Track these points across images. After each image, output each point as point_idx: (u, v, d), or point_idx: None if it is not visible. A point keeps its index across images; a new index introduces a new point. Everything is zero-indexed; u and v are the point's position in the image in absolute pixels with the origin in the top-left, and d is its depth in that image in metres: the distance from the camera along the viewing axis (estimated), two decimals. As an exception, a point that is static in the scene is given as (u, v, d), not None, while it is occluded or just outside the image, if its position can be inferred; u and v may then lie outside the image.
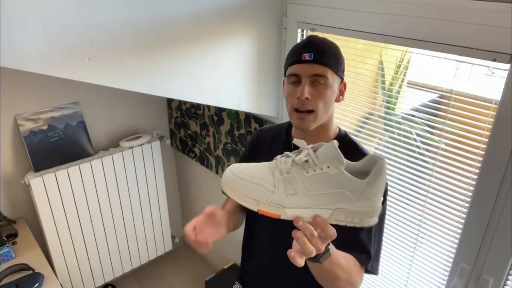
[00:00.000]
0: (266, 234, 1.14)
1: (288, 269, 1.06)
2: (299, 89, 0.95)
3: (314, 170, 0.66)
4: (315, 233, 0.67)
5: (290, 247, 0.90)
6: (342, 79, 1.01)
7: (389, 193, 1.40)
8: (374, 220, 0.67)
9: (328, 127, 1.03)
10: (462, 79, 1.16)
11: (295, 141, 0.73)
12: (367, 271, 0.97)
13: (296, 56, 0.96)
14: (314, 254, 0.68)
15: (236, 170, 0.70)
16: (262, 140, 1.18)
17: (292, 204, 0.67)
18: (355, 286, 0.91)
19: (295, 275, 1.07)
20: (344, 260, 0.86)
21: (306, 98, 0.94)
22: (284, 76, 1.04)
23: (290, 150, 1.01)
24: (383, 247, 1.48)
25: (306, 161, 0.68)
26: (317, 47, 0.95)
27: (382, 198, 0.68)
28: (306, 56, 0.94)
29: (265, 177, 0.68)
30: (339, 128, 1.07)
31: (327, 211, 0.67)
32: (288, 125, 1.15)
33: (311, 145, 0.71)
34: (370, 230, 0.97)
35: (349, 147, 1.03)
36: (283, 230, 1.05)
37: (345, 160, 0.67)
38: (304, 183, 0.66)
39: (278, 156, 0.73)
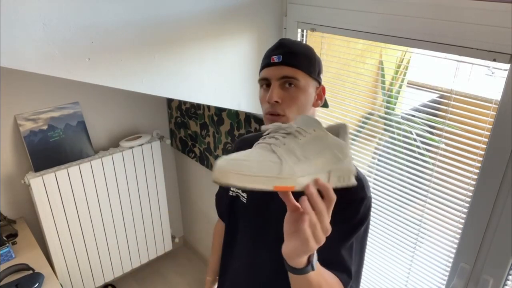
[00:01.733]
0: (240, 261, 1.08)
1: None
2: (269, 92, 0.91)
3: (305, 136, 0.68)
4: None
5: (266, 272, 0.91)
6: (319, 82, 0.96)
7: (389, 193, 1.40)
8: (354, 180, 0.70)
9: None
10: (462, 79, 1.16)
11: (264, 127, 0.73)
12: None
13: (266, 59, 0.93)
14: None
15: (232, 157, 0.64)
16: (244, 149, 1.11)
17: (300, 172, 0.65)
18: None
19: None
20: (327, 274, 0.81)
21: (276, 102, 0.89)
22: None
23: None
24: (383, 247, 1.48)
25: (296, 130, 0.69)
26: (287, 48, 0.92)
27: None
28: (275, 58, 0.90)
29: (267, 154, 0.65)
30: None
31: (324, 175, 0.68)
32: None
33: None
34: (351, 246, 0.89)
35: None
36: (259, 253, 1.00)
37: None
38: (302, 150, 0.67)
39: (261, 139, 0.70)
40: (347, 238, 0.89)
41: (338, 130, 0.74)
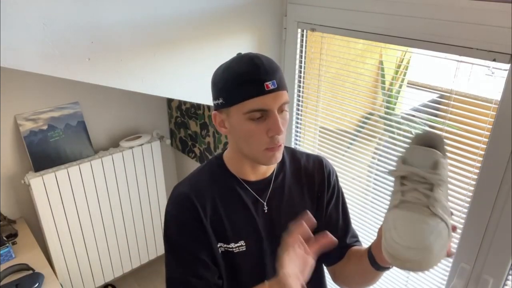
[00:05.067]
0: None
1: None
2: (270, 125, 0.79)
3: (443, 181, 0.69)
4: None
5: None
6: None
7: (389, 193, 1.40)
8: None
9: None
10: (462, 79, 1.16)
11: (393, 173, 0.70)
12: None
13: (256, 86, 0.77)
14: None
15: (404, 240, 0.63)
16: (207, 204, 0.89)
17: (449, 220, 0.68)
18: None
19: None
20: None
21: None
22: (222, 108, 0.83)
23: (250, 194, 0.91)
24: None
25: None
26: (274, 71, 0.80)
27: None
28: (270, 85, 0.77)
29: (434, 222, 0.65)
30: None
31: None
32: (220, 165, 0.95)
33: (401, 165, 0.70)
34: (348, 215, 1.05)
35: (289, 151, 1.01)
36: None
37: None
38: (446, 195, 0.69)
39: (398, 197, 0.69)
40: (345, 211, 1.03)
41: (436, 141, 0.74)
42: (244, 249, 0.91)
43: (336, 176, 1.02)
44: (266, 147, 0.82)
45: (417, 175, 0.68)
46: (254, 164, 0.90)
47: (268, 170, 0.94)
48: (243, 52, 0.88)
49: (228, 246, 0.90)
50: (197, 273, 0.87)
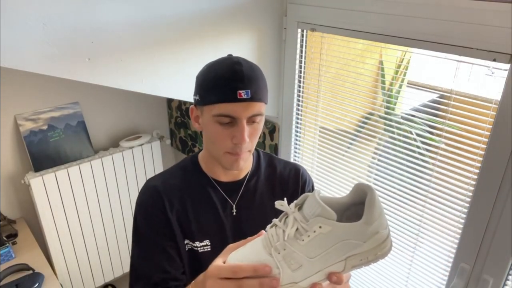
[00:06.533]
0: None
1: None
2: (236, 132, 0.80)
3: (308, 236, 0.61)
4: None
5: None
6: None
7: (389, 193, 1.40)
8: (388, 249, 0.63)
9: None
10: (462, 79, 1.16)
11: (277, 204, 0.65)
12: None
13: (228, 92, 0.78)
14: None
15: (232, 259, 0.64)
16: (174, 199, 0.90)
17: (303, 276, 0.63)
18: None
19: None
20: None
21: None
22: (198, 105, 0.86)
23: (220, 194, 0.92)
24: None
25: (297, 229, 0.62)
26: (252, 80, 0.79)
27: (386, 223, 0.63)
28: (243, 94, 0.77)
29: (265, 261, 0.63)
30: None
31: (339, 264, 0.63)
32: (193, 163, 0.95)
33: (295, 203, 0.65)
34: None
35: (266, 157, 1.00)
36: None
37: (332, 209, 0.61)
38: (305, 252, 0.62)
39: (268, 228, 0.66)
40: None
41: (362, 196, 0.65)
42: (209, 249, 0.91)
43: (312, 186, 1.01)
44: (227, 151, 0.83)
45: (286, 216, 0.64)
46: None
47: (240, 172, 0.94)
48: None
49: (193, 244, 0.91)
50: (160, 266, 0.87)
